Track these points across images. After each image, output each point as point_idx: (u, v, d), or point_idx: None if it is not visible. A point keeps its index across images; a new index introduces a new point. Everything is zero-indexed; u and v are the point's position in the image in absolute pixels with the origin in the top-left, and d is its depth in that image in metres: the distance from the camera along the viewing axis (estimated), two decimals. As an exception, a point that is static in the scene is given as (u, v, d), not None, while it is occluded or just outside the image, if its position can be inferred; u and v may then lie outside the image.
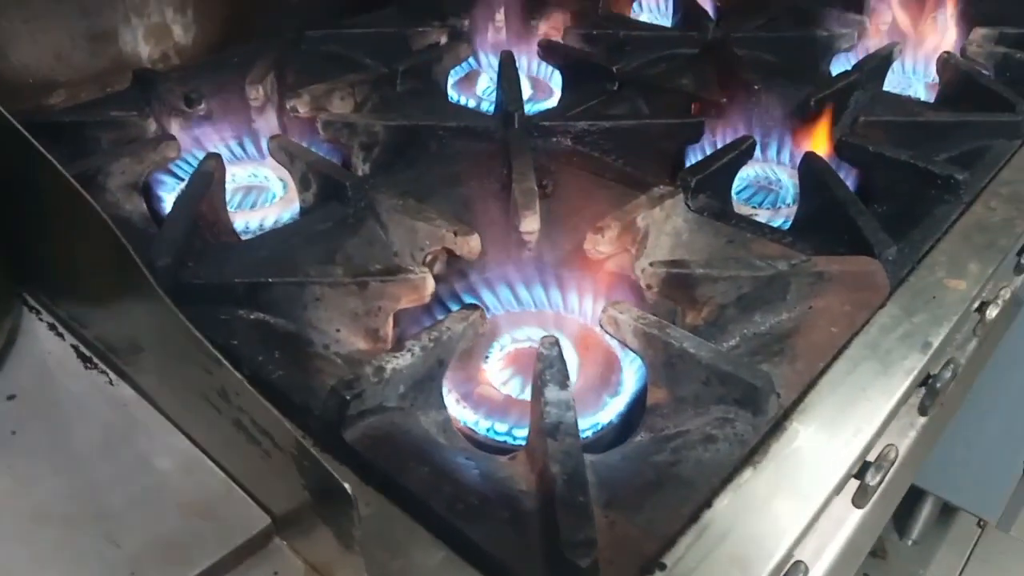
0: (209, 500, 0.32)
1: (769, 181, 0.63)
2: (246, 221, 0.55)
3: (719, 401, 0.37)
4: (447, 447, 0.37)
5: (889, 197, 0.55)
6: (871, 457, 0.39)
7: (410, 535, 0.31)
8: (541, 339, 0.38)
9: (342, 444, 0.34)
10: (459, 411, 0.42)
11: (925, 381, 0.50)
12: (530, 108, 0.70)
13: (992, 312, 0.53)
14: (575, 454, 0.32)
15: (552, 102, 0.73)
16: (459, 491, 0.33)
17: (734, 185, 0.60)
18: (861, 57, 0.76)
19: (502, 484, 0.34)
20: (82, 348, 0.39)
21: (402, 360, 0.36)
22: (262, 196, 0.60)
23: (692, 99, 0.65)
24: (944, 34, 0.79)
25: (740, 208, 0.59)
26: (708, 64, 0.73)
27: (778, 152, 0.65)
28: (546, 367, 0.36)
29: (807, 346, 0.41)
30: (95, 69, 0.63)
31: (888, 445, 0.41)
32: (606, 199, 0.52)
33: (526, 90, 0.76)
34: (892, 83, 0.77)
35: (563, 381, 0.35)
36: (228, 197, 0.59)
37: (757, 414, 0.36)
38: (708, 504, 0.33)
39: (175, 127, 0.61)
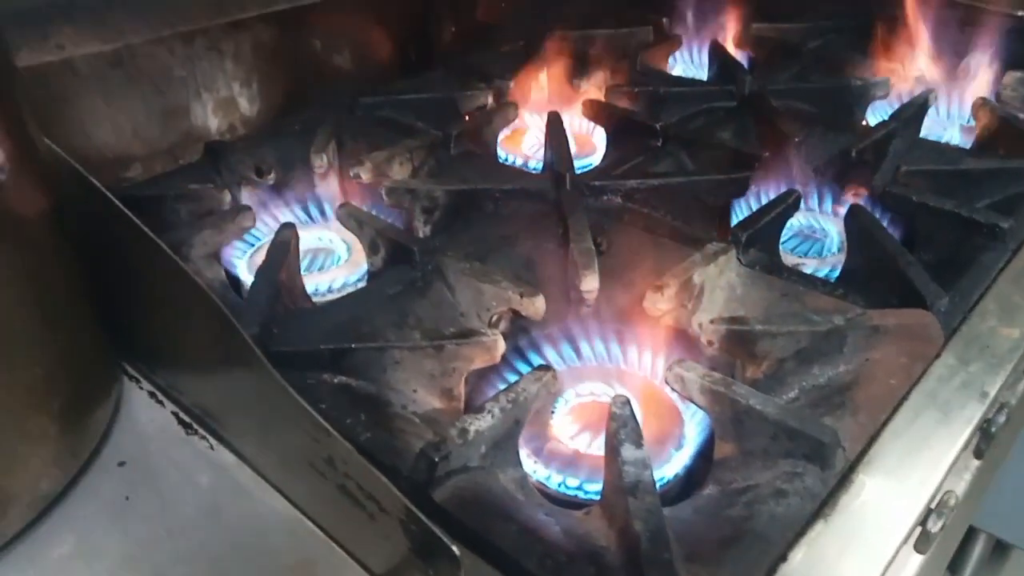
0: (312, 560, 0.34)
1: (814, 230, 0.65)
2: (316, 284, 0.58)
3: (787, 455, 0.39)
4: (526, 503, 0.39)
5: (935, 246, 0.57)
6: (932, 504, 0.41)
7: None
8: (613, 398, 0.40)
9: (432, 504, 0.37)
10: (532, 466, 0.44)
11: (981, 424, 0.51)
12: (577, 165, 0.73)
13: None
14: (656, 512, 0.34)
15: (596, 158, 0.76)
16: (545, 548, 0.34)
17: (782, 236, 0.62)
18: (896, 104, 0.78)
19: (583, 540, 0.36)
20: (182, 415, 0.42)
21: (483, 422, 0.39)
22: (329, 259, 0.63)
23: (734, 153, 0.67)
24: (977, 78, 0.80)
25: (787, 258, 0.61)
26: (747, 116, 0.76)
27: (820, 202, 0.67)
28: (620, 426, 0.38)
29: (867, 398, 0.43)
30: (168, 142, 0.67)
31: (948, 492, 0.42)
32: (659, 256, 0.54)
33: (571, 147, 0.79)
34: (928, 128, 0.79)
35: (638, 440, 0.37)
36: (304, 262, 0.62)
37: (825, 468, 0.38)
38: (784, 558, 0.34)
39: (245, 195, 0.65)
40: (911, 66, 0.83)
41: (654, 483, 0.35)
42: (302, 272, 0.61)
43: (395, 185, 0.61)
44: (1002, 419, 0.48)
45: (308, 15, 0.74)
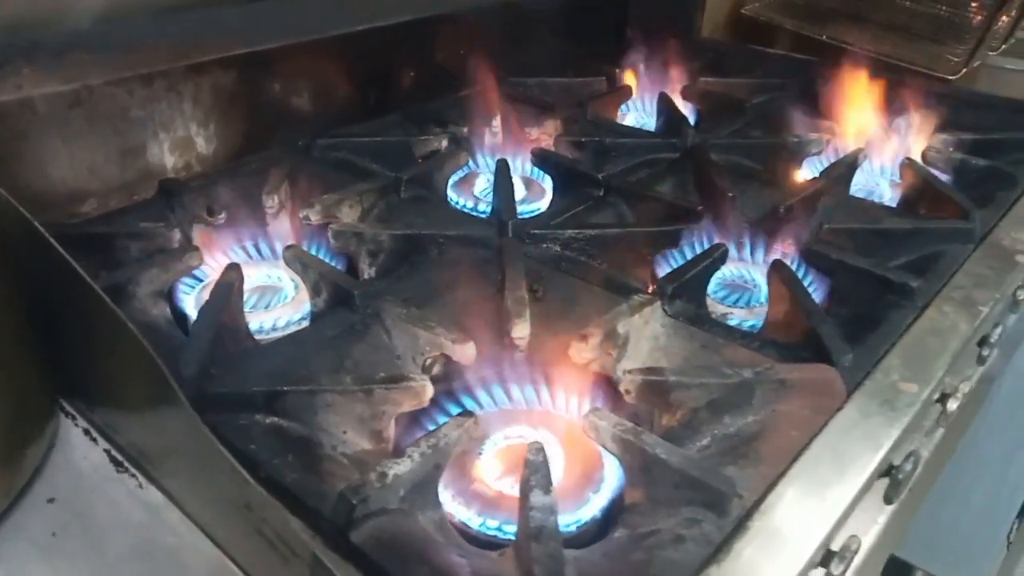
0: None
1: (744, 280, 0.69)
2: (260, 322, 0.60)
3: (688, 503, 0.41)
4: (443, 545, 0.41)
5: (852, 302, 0.60)
6: (835, 547, 0.43)
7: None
8: (529, 445, 0.42)
9: (350, 545, 0.38)
10: (454, 507, 0.46)
11: (888, 472, 0.54)
12: (524, 209, 0.76)
13: (953, 404, 0.58)
14: (558, 557, 0.36)
15: (545, 203, 0.79)
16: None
17: (711, 285, 0.65)
18: (831, 160, 0.82)
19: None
20: (114, 452, 0.43)
21: (403, 466, 0.41)
22: (276, 296, 0.65)
23: (671, 205, 0.71)
24: (907, 139, 0.85)
25: (716, 307, 0.64)
26: (687, 169, 0.79)
27: (752, 254, 0.70)
28: (532, 472, 0.40)
29: (770, 449, 0.45)
30: (124, 180, 0.69)
31: (852, 536, 0.45)
32: (590, 304, 0.57)
33: (520, 191, 0.82)
34: (861, 183, 0.83)
35: (547, 486, 0.40)
36: (251, 299, 0.64)
37: (722, 516, 0.40)
38: (677, 601, 0.37)
39: (196, 232, 0.66)
40: (848, 125, 0.88)
41: (558, 529, 0.38)
42: (250, 309, 0.63)
43: (341, 228, 0.63)
44: (908, 467, 0.51)
45: (267, 59, 0.76)
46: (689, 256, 0.65)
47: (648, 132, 0.91)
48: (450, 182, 0.79)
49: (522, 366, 0.54)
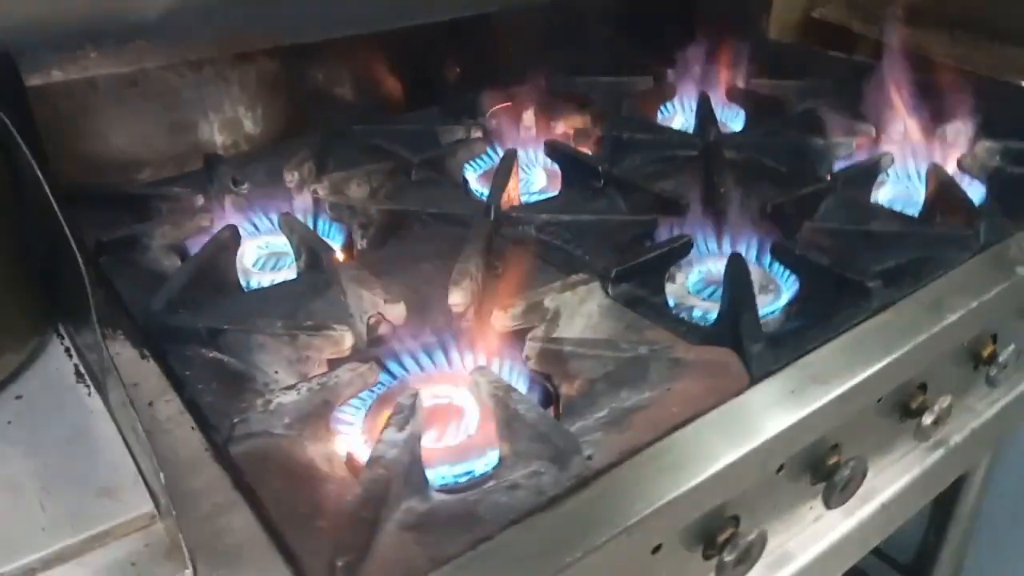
0: (120, 488, 0.42)
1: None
2: (259, 280, 0.68)
3: (538, 457, 0.44)
4: (325, 473, 0.45)
5: (813, 300, 0.59)
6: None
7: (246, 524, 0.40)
8: (407, 392, 0.46)
9: (229, 458, 0.44)
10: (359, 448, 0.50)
11: (827, 477, 0.54)
12: (536, 198, 0.79)
13: (928, 419, 0.57)
14: (383, 482, 0.40)
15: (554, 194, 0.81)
16: (296, 502, 0.41)
17: (690, 276, 0.66)
18: (860, 164, 0.79)
19: (342, 501, 0.42)
20: (80, 367, 0.52)
21: (288, 397, 0.46)
22: (282, 260, 0.73)
23: (663, 199, 0.72)
24: (949, 145, 0.80)
25: (687, 298, 0.65)
26: (700, 167, 0.80)
27: (735, 247, 0.70)
28: (396, 413, 0.44)
29: (645, 421, 0.47)
30: (175, 153, 0.79)
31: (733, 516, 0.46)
32: (536, 281, 0.60)
33: (541, 181, 0.86)
34: (895, 190, 0.80)
35: (403, 426, 0.43)
36: (259, 261, 0.72)
37: (562, 470, 0.42)
38: (490, 538, 0.40)
39: (227, 202, 0.75)
40: (889, 129, 0.84)
41: (393, 460, 0.41)
42: (258, 269, 0.71)
43: (336, 201, 0.70)
44: (846, 472, 0.51)
45: (311, 51, 0.85)
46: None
47: (673, 130, 0.91)
48: (468, 170, 0.84)
49: (456, 332, 0.58)
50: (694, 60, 1.01)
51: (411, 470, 0.43)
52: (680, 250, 0.63)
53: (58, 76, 0.71)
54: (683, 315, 0.60)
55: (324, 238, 0.68)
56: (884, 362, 0.52)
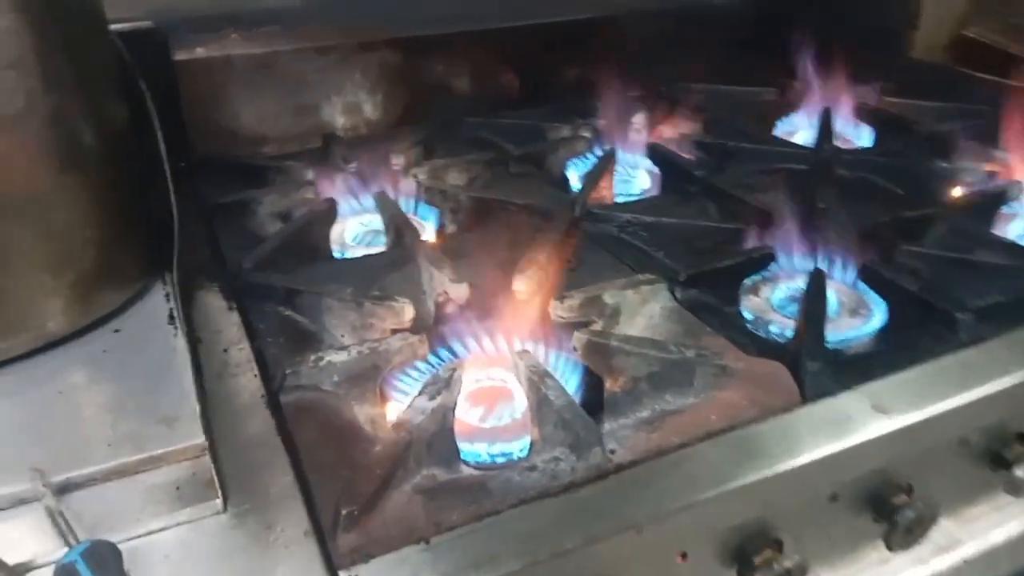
0: (180, 420, 0.47)
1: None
2: (353, 253, 0.72)
3: (561, 443, 0.44)
4: (365, 432, 0.48)
5: (897, 328, 0.56)
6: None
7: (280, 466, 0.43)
8: (448, 363, 0.48)
9: (278, 405, 0.48)
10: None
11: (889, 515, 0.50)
12: (628, 199, 0.79)
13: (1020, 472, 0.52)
14: (403, 444, 0.42)
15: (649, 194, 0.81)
16: (328, 453, 0.44)
17: (777, 293, 0.64)
18: (984, 193, 0.73)
19: (369, 458, 0.44)
20: (172, 311, 0.57)
21: (339, 356, 0.49)
22: (378, 238, 0.76)
23: (757, 210, 0.69)
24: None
25: (768, 313, 0.62)
26: (805, 181, 0.76)
27: (843, 271, 0.66)
28: (430, 383, 0.46)
29: (680, 424, 0.46)
30: (298, 131, 0.85)
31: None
32: (606, 278, 0.60)
33: (645, 182, 0.85)
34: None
35: (434, 395, 0.45)
36: (358, 236, 0.76)
37: (580, 459, 0.43)
38: (497, 512, 0.40)
39: (336, 179, 0.80)
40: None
41: (416, 425, 0.43)
42: (356, 243, 0.75)
43: (433, 185, 0.73)
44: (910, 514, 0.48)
45: (431, 45, 0.88)
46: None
47: (785, 142, 0.88)
48: (571, 167, 0.84)
49: (514, 318, 0.59)
50: (825, 75, 0.97)
51: (438, 439, 0.44)
52: (758, 261, 0.61)
53: (201, 53, 0.79)
54: (760, 330, 0.58)
55: (416, 218, 0.71)
56: (959, 400, 0.49)
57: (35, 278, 0.51)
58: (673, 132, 0.87)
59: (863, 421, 0.47)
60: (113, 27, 0.54)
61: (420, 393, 0.45)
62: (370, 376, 0.50)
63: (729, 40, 1.07)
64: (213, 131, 0.81)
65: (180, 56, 0.78)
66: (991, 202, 0.70)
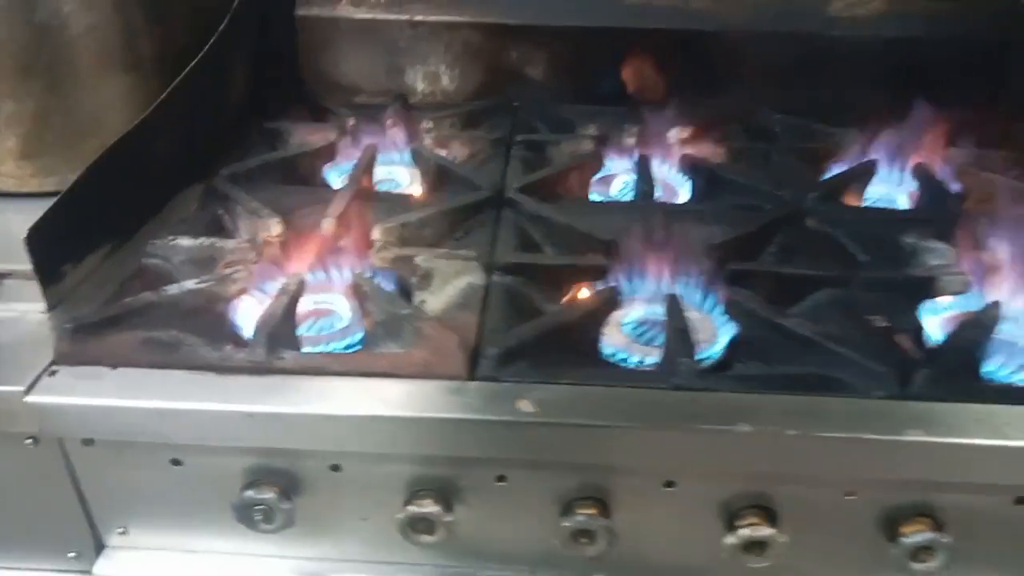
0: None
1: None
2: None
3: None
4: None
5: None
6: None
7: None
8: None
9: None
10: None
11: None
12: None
13: None
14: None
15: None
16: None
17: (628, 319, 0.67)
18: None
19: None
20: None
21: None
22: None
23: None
24: None
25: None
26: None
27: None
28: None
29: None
30: (385, 87, 1.03)
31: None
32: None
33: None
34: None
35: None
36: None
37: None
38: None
39: (388, 132, 0.96)
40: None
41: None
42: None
43: (420, 150, 0.86)
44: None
45: (509, 32, 1.00)
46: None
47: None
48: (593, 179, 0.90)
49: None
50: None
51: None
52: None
53: (315, 11, 1.00)
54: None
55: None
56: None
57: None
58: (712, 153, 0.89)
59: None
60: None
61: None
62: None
63: (856, 74, 1.01)
64: (315, 76, 1.03)
65: (300, 12, 1.00)
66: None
